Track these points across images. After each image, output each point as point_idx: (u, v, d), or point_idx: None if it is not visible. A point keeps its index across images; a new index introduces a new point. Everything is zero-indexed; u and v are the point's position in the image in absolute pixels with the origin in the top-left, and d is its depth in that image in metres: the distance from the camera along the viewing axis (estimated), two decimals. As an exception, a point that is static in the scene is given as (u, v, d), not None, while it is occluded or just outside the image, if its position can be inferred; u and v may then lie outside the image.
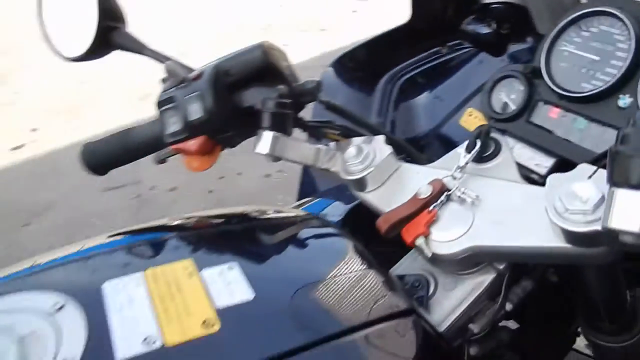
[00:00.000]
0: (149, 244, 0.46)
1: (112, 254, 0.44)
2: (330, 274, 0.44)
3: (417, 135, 0.81)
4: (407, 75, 0.83)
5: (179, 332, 0.35)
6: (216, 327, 0.35)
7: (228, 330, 0.35)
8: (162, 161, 0.68)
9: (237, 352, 0.35)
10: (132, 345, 0.34)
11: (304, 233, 0.51)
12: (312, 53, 3.00)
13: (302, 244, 0.49)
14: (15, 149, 2.93)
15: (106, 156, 0.63)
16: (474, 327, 0.49)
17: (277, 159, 0.55)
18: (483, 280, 0.49)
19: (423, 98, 0.81)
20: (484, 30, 0.75)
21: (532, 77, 0.59)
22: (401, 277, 0.51)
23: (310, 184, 0.84)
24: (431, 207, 0.49)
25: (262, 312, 0.38)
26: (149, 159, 0.64)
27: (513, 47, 0.73)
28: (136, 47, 0.65)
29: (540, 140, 0.57)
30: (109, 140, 0.63)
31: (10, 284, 0.41)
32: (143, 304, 0.37)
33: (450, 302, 0.49)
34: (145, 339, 0.34)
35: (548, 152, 0.56)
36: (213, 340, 0.35)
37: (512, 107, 0.59)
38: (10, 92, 3.67)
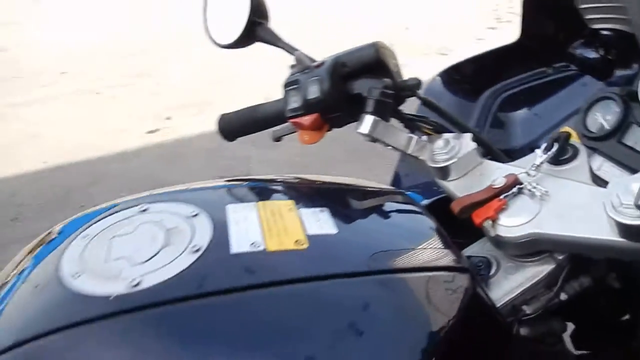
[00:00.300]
0: (262, 187, 0.59)
1: (234, 189, 0.58)
2: (406, 236, 0.53)
3: (511, 148, 0.86)
4: (510, 92, 0.89)
5: (277, 244, 0.47)
6: (305, 246, 0.47)
7: (313, 249, 0.46)
8: (278, 139, 0.83)
9: (318, 265, 0.46)
10: (242, 245, 0.46)
11: (391, 204, 0.60)
12: (430, 75, 3.07)
13: (387, 208, 0.59)
14: (150, 132, 3.38)
15: (237, 125, 0.79)
16: (527, 308, 0.54)
17: (374, 140, 0.65)
18: (543, 269, 0.55)
19: (522, 113, 0.86)
20: (592, 54, 0.79)
21: (629, 99, 0.63)
22: (468, 257, 0.59)
23: (399, 181, 0.93)
24: (502, 196, 0.56)
25: (342, 242, 0.49)
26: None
27: (618, 73, 0.77)
28: (274, 40, 0.80)
29: (629, 160, 0.61)
30: (240, 113, 0.79)
31: (162, 196, 0.56)
32: (254, 222, 0.49)
33: (509, 284, 0.55)
34: (252, 243, 0.46)
35: (636, 172, 0.60)
36: (301, 254, 0.46)
37: (607, 127, 0.63)
38: (154, 83, 4.23)
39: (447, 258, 0.49)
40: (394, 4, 5.77)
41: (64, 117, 3.78)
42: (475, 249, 0.61)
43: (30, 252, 0.52)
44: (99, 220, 0.52)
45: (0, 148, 3.36)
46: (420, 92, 0.69)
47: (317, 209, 0.52)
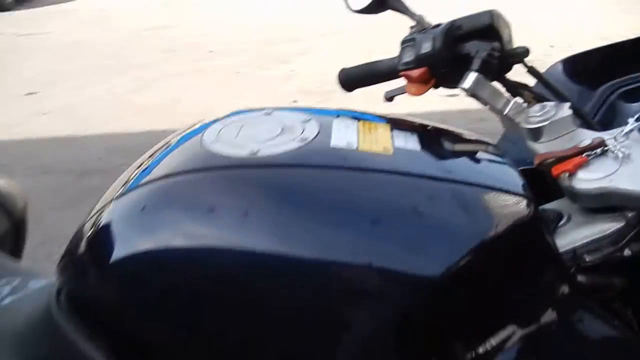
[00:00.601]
0: (366, 114, 0.71)
1: (343, 112, 0.70)
2: (483, 165, 0.61)
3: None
4: (631, 86, 0.90)
5: (368, 147, 0.58)
6: (390, 152, 0.57)
7: (397, 155, 0.57)
8: (390, 99, 0.93)
9: (397, 164, 0.56)
10: (340, 142, 0.58)
11: (478, 148, 0.67)
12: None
13: (473, 148, 0.66)
14: (276, 113, 3.67)
15: (354, 77, 0.91)
16: (587, 257, 0.59)
17: (473, 95, 0.72)
18: (612, 226, 0.59)
19: (636, 106, 0.86)
20: None
21: None
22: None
23: None
24: (584, 154, 0.61)
25: (422, 156, 0.58)
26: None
27: None
28: (402, 8, 0.90)
29: None
30: (358, 67, 0.91)
31: (284, 107, 0.70)
32: (353, 131, 0.61)
33: (575, 235, 0.60)
34: (347, 143, 0.58)
35: None
36: (385, 156, 0.57)
37: None
38: (289, 70, 4.57)
39: (515, 186, 0.56)
40: (542, 22, 5.55)
41: (204, 89, 4.25)
42: (550, 206, 0.66)
43: (184, 131, 0.69)
44: (233, 116, 0.67)
45: (148, 107, 3.89)
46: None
47: (408, 133, 0.62)
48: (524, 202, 0.55)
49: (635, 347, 0.54)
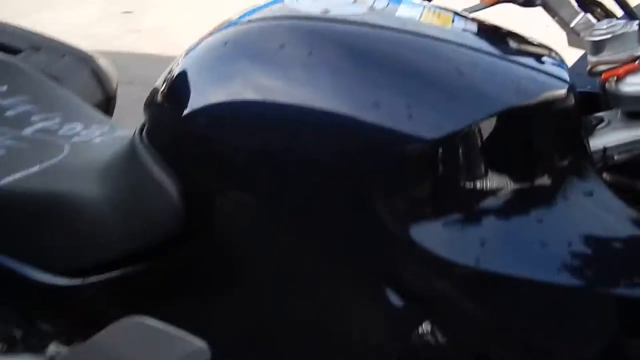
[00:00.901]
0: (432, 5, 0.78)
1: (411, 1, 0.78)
2: (535, 58, 0.67)
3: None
4: None
5: (429, 20, 0.66)
6: (449, 26, 0.65)
7: (452, 31, 0.65)
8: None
9: (450, 37, 0.63)
10: (403, 15, 0.66)
11: (538, 51, 0.72)
12: None
13: (532, 44, 0.71)
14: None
15: None
16: (616, 156, 0.64)
17: (543, 5, 0.77)
18: None
19: None
20: None
21: None
22: None
23: None
24: (637, 62, 0.65)
25: (475, 37, 0.66)
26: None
27: None
28: None
29: None
30: None
31: None
32: (417, 10, 0.68)
33: (611, 137, 0.65)
34: (410, 16, 0.66)
35: None
36: (442, 30, 0.65)
37: None
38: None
39: (559, 73, 0.62)
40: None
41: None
42: (594, 115, 0.71)
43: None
44: None
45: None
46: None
47: (469, 21, 0.69)
48: (564, 87, 0.61)
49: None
